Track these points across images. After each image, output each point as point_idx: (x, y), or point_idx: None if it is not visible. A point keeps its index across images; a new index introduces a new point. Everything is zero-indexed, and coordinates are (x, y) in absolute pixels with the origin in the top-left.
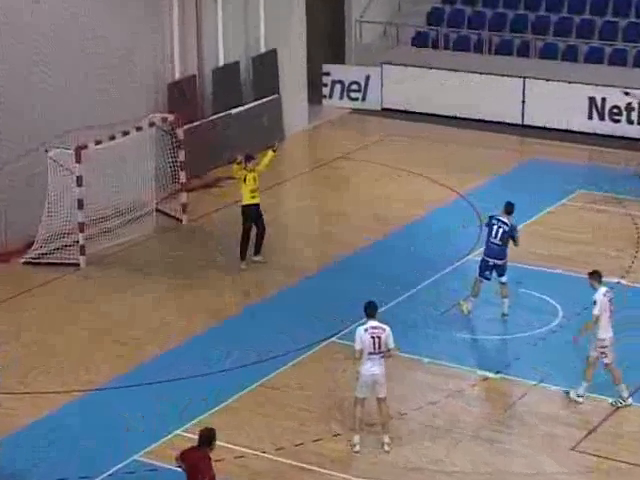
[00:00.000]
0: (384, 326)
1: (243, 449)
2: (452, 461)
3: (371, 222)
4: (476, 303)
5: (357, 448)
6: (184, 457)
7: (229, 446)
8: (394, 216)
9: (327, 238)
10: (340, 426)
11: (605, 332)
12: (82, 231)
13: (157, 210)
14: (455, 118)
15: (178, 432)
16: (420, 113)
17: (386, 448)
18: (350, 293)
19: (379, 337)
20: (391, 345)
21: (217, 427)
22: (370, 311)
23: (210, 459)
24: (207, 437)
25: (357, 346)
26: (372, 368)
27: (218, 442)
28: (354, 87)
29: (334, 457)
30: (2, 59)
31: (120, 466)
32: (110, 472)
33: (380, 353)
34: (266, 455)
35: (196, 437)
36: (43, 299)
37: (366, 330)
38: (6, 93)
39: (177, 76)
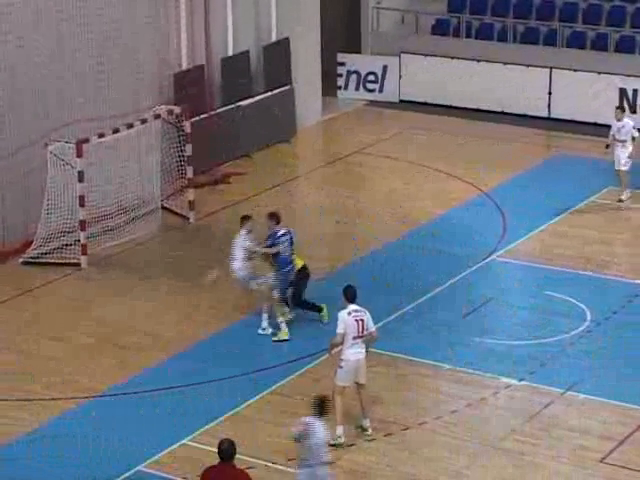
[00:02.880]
0: (363, 309)
1: (253, 460)
2: (473, 474)
3: (388, 220)
4: (498, 306)
5: (342, 440)
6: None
7: (238, 456)
8: (412, 214)
9: (342, 238)
10: (354, 437)
11: None
12: (83, 229)
13: (163, 207)
14: (477, 111)
15: (184, 441)
16: (440, 105)
17: (369, 432)
18: (364, 297)
19: (362, 320)
20: (372, 328)
21: (225, 436)
22: (351, 295)
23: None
24: (230, 450)
25: (340, 330)
26: (357, 352)
27: None
28: (370, 78)
29: (349, 468)
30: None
31: (124, 476)
32: None
33: (363, 337)
34: (277, 466)
35: (203, 447)
36: (43, 301)
37: (349, 314)
38: (4, 84)
39: (184, 66)
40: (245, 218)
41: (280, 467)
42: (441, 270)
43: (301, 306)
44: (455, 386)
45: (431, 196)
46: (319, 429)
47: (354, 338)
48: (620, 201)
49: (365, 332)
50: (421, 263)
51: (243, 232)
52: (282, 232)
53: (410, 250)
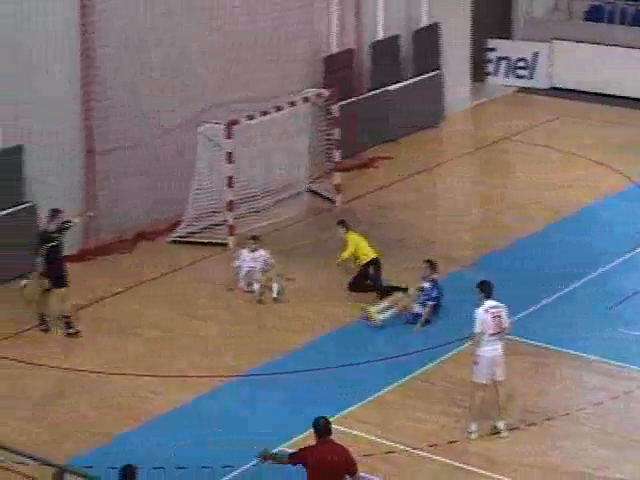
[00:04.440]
0: (501, 304)
1: (393, 444)
2: (618, 468)
3: (534, 209)
4: None
5: (474, 436)
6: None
7: (379, 440)
8: (559, 203)
9: (487, 226)
10: (497, 424)
11: None
12: (231, 210)
13: (309, 190)
14: (632, 99)
15: None
16: (593, 93)
17: (503, 434)
18: (509, 286)
19: (499, 316)
20: (507, 322)
21: (366, 420)
22: (487, 291)
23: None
24: (329, 425)
25: (478, 329)
26: (493, 349)
27: (367, 436)
28: (521, 64)
29: (490, 457)
30: (160, 37)
31: None
32: (253, 462)
33: (501, 332)
34: (418, 452)
35: (344, 429)
36: (190, 279)
37: (486, 311)
38: (160, 66)
39: (334, 50)
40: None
41: (421, 453)
42: (586, 261)
43: (385, 294)
44: (600, 378)
45: (580, 185)
46: None
47: (491, 335)
48: None
49: (502, 328)
50: (566, 253)
51: (245, 251)
52: (430, 285)
53: (556, 240)
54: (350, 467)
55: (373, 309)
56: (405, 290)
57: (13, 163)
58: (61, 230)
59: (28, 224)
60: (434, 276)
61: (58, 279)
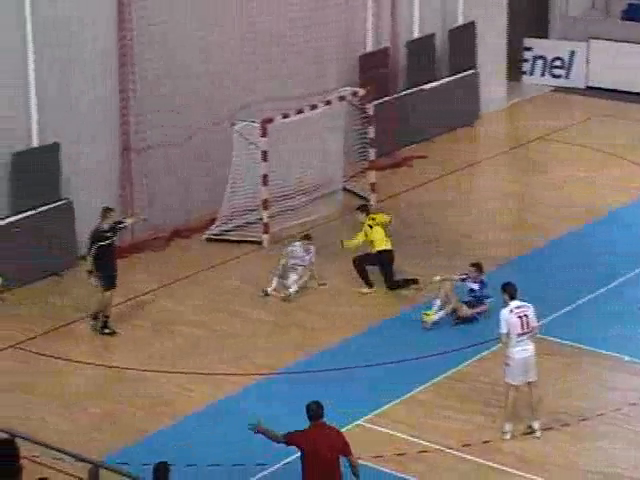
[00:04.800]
0: (527, 304)
1: (426, 443)
2: None
3: (569, 208)
4: None
5: (508, 436)
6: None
7: (412, 439)
8: (595, 203)
9: (522, 224)
10: (532, 424)
11: None
12: (266, 208)
13: (344, 189)
14: None
15: (360, 422)
16: (630, 92)
17: (537, 434)
18: (542, 286)
19: (526, 315)
20: (534, 323)
21: (400, 419)
22: (511, 292)
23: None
24: (321, 409)
25: (504, 330)
26: (523, 350)
27: (400, 435)
28: (557, 63)
29: (524, 457)
30: (196, 35)
31: (297, 455)
32: (288, 460)
33: (529, 332)
34: (451, 451)
35: (378, 428)
36: (224, 277)
37: (511, 311)
38: (200, 64)
39: (369, 48)
40: (306, 237)
41: (454, 452)
42: (621, 261)
43: (395, 288)
44: (635, 378)
45: (615, 185)
46: None
47: (519, 335)
48: None
49: (530, 328)
50: (601, 253)
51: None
52: (479, 287)
53: (590, 240)
54: (344, 448)
55: (430, 313)
56: (416, 282)
57: (50, 161)
58: (114, 230)
59: (64, 221)
60: (482, 277)
61: (108, 278)
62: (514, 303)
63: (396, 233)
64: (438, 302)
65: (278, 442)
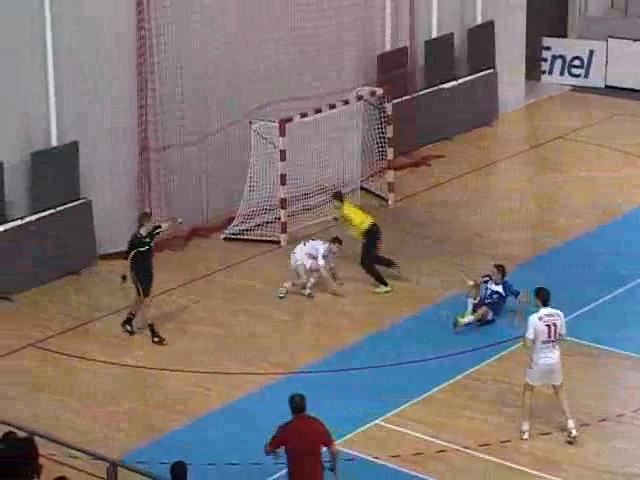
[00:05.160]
0: (558, 312)
1: (444, 443)
2: None
3: (588, 208)
4: None
5: (526, 436)
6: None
7: (430, 439)
8: (614, 203)
9: (541, 223)
10: (548, 425)
11: None
12: (284, 208)
13: (362, 188)
14: None
15: (378, 422)
16: None
17: (573, 433)
18: (562, 286)
19: (554, 324)
20: (563, 331)
21: (418, 419)
22: (544, 298)
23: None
24: (304, 402)
25: (530, 336)
26: (547, 357)
27: (419, 434)
28: (576, 63)
29: (543, 457)
30: (216, 36)
31: None
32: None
33: (555, 340)
34: (469, 451)
35: (396, 428)
36: (242, 276)
37: (540, 318)
38: (222, 63)
39: (388, 47)
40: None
41: (472, 452)
42: (637, 262)
43: (371, 266)
44: None
45: (634, 185)
46: None
47: (544, 342)
48: None
49: (557, 336)
50: (620, 253)
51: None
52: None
53: (609, 239)
54: (326, 438)
55: (463, 317)
56: (396, 266)
57: (69, 159)
58: (152, 235)
59: (83, 220)
60: (505, 279)
61: (145, 284)
62: (545, 310)
63: (415, 232)
64: (471, 305)
65: (272, 450)
